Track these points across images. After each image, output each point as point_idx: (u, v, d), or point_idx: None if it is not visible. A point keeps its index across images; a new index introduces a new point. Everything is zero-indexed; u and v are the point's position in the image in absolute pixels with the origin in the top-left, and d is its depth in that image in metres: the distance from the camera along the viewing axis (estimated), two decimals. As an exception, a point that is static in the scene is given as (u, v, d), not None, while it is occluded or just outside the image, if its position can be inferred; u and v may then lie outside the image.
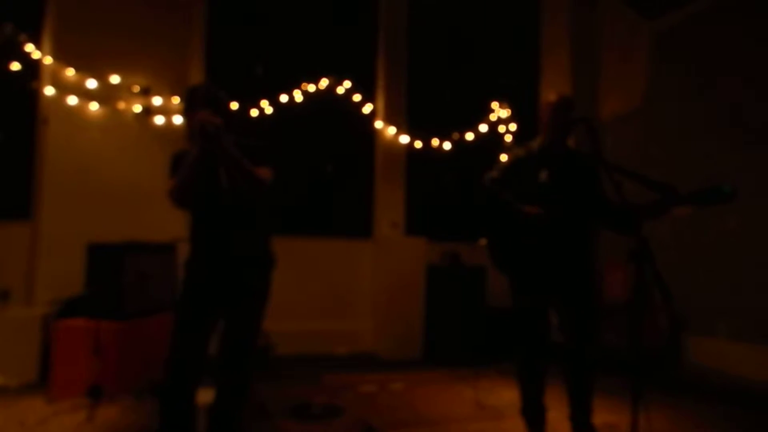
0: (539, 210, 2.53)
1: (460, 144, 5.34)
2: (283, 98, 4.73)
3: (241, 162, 2.02)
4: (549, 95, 2.76)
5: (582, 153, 2.70)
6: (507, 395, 3.51)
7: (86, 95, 4.17)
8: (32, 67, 4.09)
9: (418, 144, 5.25)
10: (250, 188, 2.07)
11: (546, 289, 2.61)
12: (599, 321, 2.68)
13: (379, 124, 5.21)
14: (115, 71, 4.25)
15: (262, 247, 2.25)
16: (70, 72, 4.12)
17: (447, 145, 5.31)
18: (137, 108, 4.30)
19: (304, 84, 4.82)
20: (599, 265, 3.73)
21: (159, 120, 4.36)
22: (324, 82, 4.90)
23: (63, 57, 4.12)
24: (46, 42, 4.16)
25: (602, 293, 2.69)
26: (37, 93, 4.15)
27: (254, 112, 4.64)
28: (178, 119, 4.40)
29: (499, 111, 5.45)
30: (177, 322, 2.11)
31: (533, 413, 2.70)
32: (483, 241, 2.80)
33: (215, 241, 2.11)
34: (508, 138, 5.42)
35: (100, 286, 3.37)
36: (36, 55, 4.05)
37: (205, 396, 2.20)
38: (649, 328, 4.26)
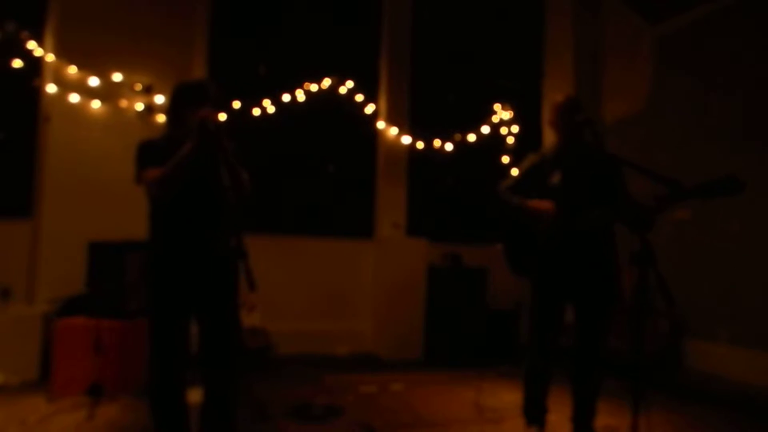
0: (550, 205, 2.50)
1: (462, 145, 5.34)
2: (286, 98, 4.73)
3: (235, 163, 2.02)
4: (556, 96, 2.75)
5: (600, 152, 2.66)
6: (507, 397, 3.51)
7: (88, 93, 4.16)
8: (34, 64, 4.08)
9: (420, 145, 5.25)
10: (239, 189, 2.07)
11: (564, 289, 2.59)
12: (611, 324, 2.65)
13: (381, 125, 5.20)
14: (118, 69, 4.24)
15: (231, 243, 2.24)
16: (72, 70, 4.11)
17: (449, 147, 5.30)
18: (139, 106, 4.29)
19: (306, 84, 4.81)
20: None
21: (161, 118, 4.35)
22: (326, 82, 4.89)
23: (65, 54, 4.11)
24: (49, 39, 4.16)
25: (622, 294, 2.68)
26: (39, 90, 4.15)
27: (256, 112, 4.63)
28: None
29: (501, 113, 5.44)
30: (154, 324, 2.09)
31: (535, 413, 2.70)
32: (499, 246, 2.79)
33: (193, 238, 2.10)
34: (510, 140, 5.41)
35: (102, 285, 3.37)
36: (38, 52, 4.04)
37: (196, 395, 2.19)
38: (651, 332, 4.26)
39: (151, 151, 2.08)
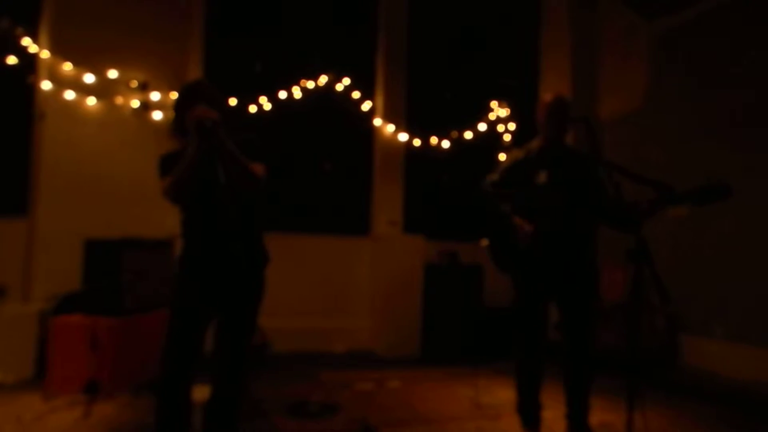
0: (531, 226, 2.55)
1: (458, 142, 5.34)
2: (282, 95, 4.71)
3: (238, 157, 2.01)
4: (545, 95, 2.77)
5: (582, 152, 2.71)
6: (504, 394, 3.52)
7: (84, 90, 4.14)
8: (29, 61, 4.05)
9: (417, 142, 5.24)
10: (247, 184, 2.06)
11: (547, 287, 2.62)
12: (597, 320, 2.70)
13: (377, 122, 5.20)
14: (113, 66, 4.22)
15: (257, 244, 2.25)
16: (67, 66, 4.09)
17: (446, 144, 5.30)
18: (135, 103, 4.28)
19: (303, 81, 4.80)
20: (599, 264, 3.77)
21: (157, 115, 4.34)
22: (323, 79, 4.88)
23: (60, 51, 4.09)
24: (43, 36, 4.13)
25: (602, 293, 2.75)
26: (33, 87, 4.12)
27: (253, 109, 4.62)
28: (175, 115, 4.38)
29: (498, 110, 5.44)
30: (172, 320, 2.11)
31: (529, 411, 2.72)
32: (484, 242, 2.82)
33: (212, 238, 2.10)
34: (507, 137, 5.42)
35: (98, 282, 3.36)
36: (33, 49, 4.01)
37: (200, 393, 2.20)
38: (647, 329, 4.28)
39: (169, 162, 2.10)
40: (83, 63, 4.13)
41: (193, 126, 1.92)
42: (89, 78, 4.13)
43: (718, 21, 4.60)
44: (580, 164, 2.64)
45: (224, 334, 2.18)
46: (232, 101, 4.52)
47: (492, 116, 5.44)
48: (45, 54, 4.05)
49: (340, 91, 4.96)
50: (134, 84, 4.27)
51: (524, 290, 2.67)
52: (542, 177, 2.61)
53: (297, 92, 4.77)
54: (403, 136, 5.22)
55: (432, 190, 5.63)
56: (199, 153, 1.96)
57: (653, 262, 2.11)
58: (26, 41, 3.99)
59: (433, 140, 5.28)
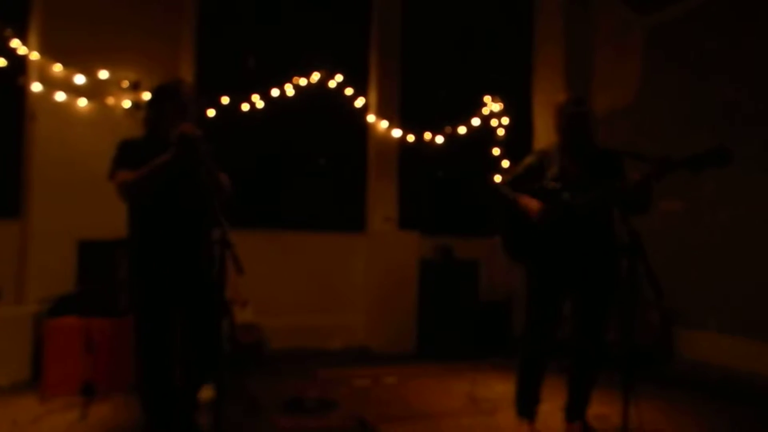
0: (538, 206, 2.53)
1: (452, 138, 5.34)
2: (275, 92, 4.70)
3: (214, 171, 2.07)
4: (558, 96, 2.77)
5: (598, 147, 2.68)
6: (500, 388, 3.54)
7: (74, 91, 4.11)
8: (19, 62, 4.02)
9: (411, 138, 5.24)
10: (222, 193, 2.10)
11: (566, 279, 2.59)
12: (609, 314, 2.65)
13: (371, 118, 5.19)
14: (104, 66, 4.19)
15: (215, 236, 2.30)
16: (57, 67, 4.06)
17: (439, 139, 5.30)
18: (127, 103, 4.25)
19: (295, 78, 4.78)
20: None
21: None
22: (316, 76, 4.86)
23: (50, 52, 4.06)
24: (33, 37, 4.10)
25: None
26: (24, 89, 4.09)
27: (245, 107, 4.60)
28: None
29: (491, 105, 5.44)
30: (139, 320, 2.14)
31: (528, 404, 2.72)
32: (498, 239, 2.80)
33: (183, 242, 2.16)
34: (501, 132, 5.42)
35: (92, 283, 3.36)
36: (22, 50, 3.98)
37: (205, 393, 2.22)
38: (642, 324, 4.30)
39: (130, 152, 2.13)
40: (74, 64, 4.09)
41: (177, 138, 1.97)
42: (80, 79, 4.10)
43: (712, 15, 4.59)
44: (597, 157, 2.62)
45: (200, 336, 2.22)
46: (225, 99, 4.51)
47: (485, 111, 5.44)
48: (35, 55, 4.02)
49: (333, 88, 4.95)
50: (125, 84, 4.25)
51: (540, 282, 2.63)
52: (554, 170, 2.60)
53: (290, 89, 4.76)
54: (396, 132, 5.21)
55: (426, 186, 5.63)
56: (172, 165, 2.00)
57: (646, 255, 2.12)
58: (15, 43, 3.96)
59: (427, 136, 5.27)
